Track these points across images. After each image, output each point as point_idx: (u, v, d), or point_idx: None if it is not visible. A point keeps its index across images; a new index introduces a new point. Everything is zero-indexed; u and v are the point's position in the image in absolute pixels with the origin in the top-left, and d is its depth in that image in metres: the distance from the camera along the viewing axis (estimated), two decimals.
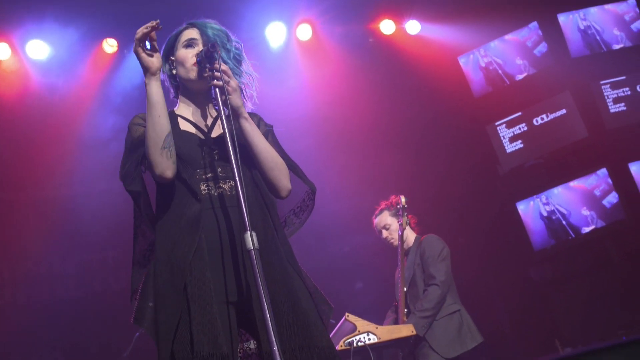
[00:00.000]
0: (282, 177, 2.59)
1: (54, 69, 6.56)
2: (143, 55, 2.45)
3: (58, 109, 6.60)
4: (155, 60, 2.46)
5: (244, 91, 2.68)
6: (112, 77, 6.82)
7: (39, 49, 6.43)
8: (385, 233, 5.24)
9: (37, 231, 6.66)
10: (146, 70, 2.46)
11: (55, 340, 6.72)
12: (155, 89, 2.46)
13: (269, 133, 2.73)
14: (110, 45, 6.70)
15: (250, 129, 2.55)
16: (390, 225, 5.20)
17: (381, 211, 5.29)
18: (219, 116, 2.47)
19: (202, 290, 2.33)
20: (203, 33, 2.64)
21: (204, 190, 2.50)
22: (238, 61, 2.68)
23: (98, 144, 6.66)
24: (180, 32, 2.72)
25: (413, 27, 7.40)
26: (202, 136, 2.59)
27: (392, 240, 5.21)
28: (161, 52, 2.75)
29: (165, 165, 2.42)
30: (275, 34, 6.96)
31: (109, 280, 7.11)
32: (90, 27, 6.41)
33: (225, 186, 2.51)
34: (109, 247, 7.16)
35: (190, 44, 2.64)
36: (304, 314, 2.39)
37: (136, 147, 2.50)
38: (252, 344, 2.46)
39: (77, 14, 6.26)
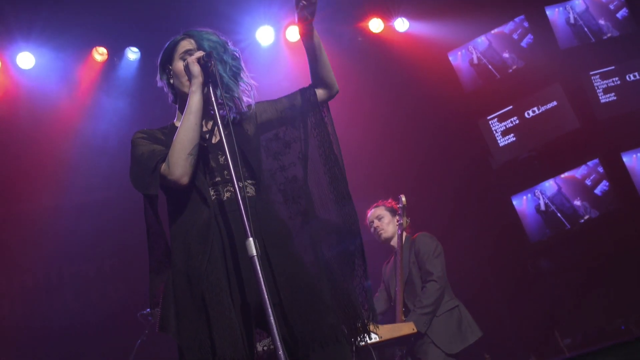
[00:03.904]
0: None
1: (44, 79, 6.54)
2: (196, 64, 2.54)
3: (51, 119, 6.59)
4: (202, 72, 2.55)
5: (241, 100, 2.70)
6: (104, 85, 6.82)
7: (28, 60, 6.41)
8: (377, 222, 5.28)
9: (33, 242, 6.65)
10: (195, 78, 2.54)
11: (54, 351, 6.70)
12: (199, 98, 2.54)
13: (267, 104, 2.84)
14: (100, 53, 6.70)
15: (319, 41, 2.76)
16: (383, 217, 5.27)
17: (378, 205, 5.36)
18: (215, 123, 2.49)
19: (219, 296, 2.37)
20: (199, 45, 2.68)
21: (213, 195, 2.55)
22: (235, 73, 2.70)
23: (91, 154, 6.66)
24: (177, 42, 2.75)
25: (401, 24, 7.42)
26: (203, 143, 2.61)
27: (381, 232, 5.25)
28: (158, 60, 2.78)
29: (186, 170, 2.48)
30: (265, 36, 6.99)
31: (107, 289, 7.10)
32: (79, 36, 6.41)
33: (233, 189, 2.53)
34: (106, 257, 7.16)
35: (186, 57, 2.67)
36: (323, 306, 2.46)
37: (149, 157, 2.53)
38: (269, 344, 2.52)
39: (66, 24, 6.25)
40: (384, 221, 5.26)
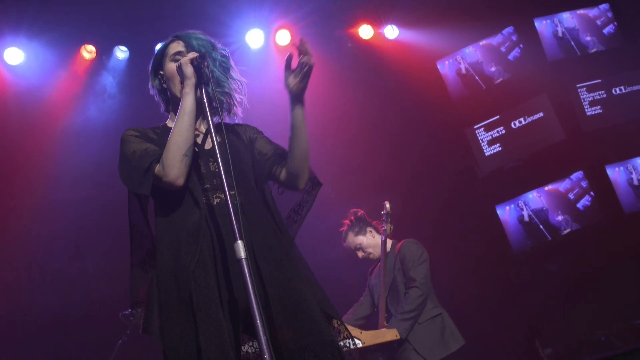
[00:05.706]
0: (308, 167, 2.71)
1: (32, 76, 6.49)
2: (189, 65, 2.51)
3: (37, 116, 6.54)
4: (195, 73, 2.52)
5: (233, 97, 2.70)
6: (91, 83, 6.78)
7: (16, 56, 6.37)
8: (360, 253, 5.31)
9: (16, 239, 6.59)
10: (188, 80, 2.50)
11: (35, 350, 6.64)
12: (192, 99, 2.51)
13: (260, 134, 2.82)
14: (88, 51, 6.66)
15: (304, 117, 2.68)
16: (360, 244, 5.27)
17: (345, 234, 5.34)
18: (208, 128, 2.48)
19: (207, 298, 2.36)
20: (188, 45, 2.67)
21: (204, 200, 2.53)
22: (225, 69, 2.70)
23: (78, 151, 6.62)
24: (167, 45, 2.75)
25: (391, 32, 7.44)
26: (195, 149, 2.58)
27: (370, 257, 5.29)
28: (149, 67, 2.77)
29: (182, 171, 2.44)
30: (255, 39, 6.99)
31: (90, 288, 7.04)
32: (68, 33, 6.37)
33: (223, 195, 2.51)
34: (89, 255, 7.11)
35: (177, 58, 2.66)
36: (311, 313, 2.45)
37: (142, 156, 2.50)
38: (254, 347, 2.51)
39: (55, 20, 6.21)
40: (363, 247, 5.26)
